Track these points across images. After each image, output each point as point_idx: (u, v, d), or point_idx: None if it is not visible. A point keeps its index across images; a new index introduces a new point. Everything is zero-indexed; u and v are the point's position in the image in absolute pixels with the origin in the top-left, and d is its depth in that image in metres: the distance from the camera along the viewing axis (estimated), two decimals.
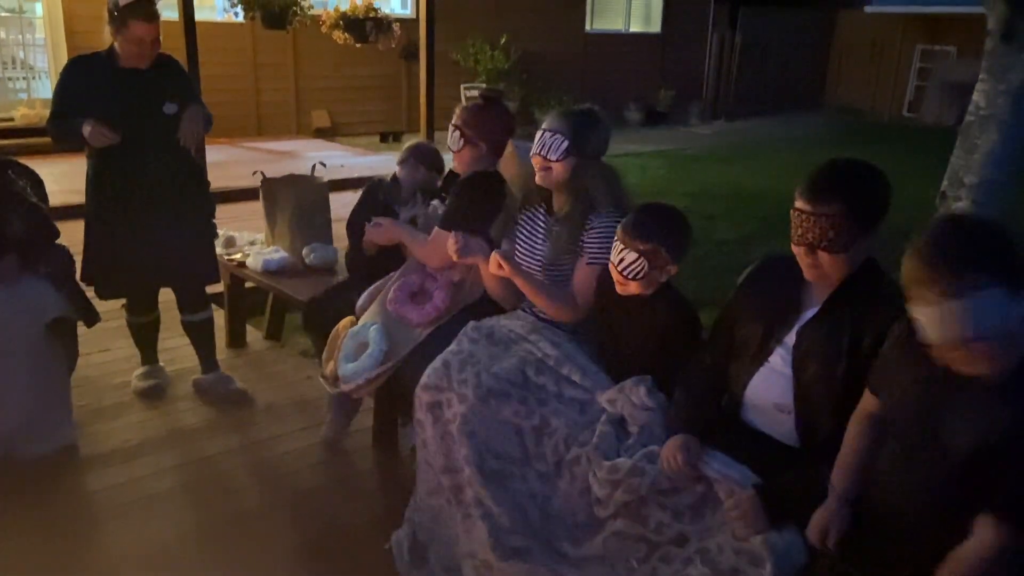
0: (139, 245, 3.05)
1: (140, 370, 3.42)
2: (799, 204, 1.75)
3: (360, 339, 2.58)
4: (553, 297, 2.34)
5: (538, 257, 2.42)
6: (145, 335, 3.39)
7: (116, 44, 2.93)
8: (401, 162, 3.22)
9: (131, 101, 2.95)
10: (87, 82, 2.96)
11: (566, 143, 2.30)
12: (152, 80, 2.99)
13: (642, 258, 2.07)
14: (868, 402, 1.70)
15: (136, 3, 2.82)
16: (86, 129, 2.82)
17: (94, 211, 3.08)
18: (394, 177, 3.24)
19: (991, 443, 1.42)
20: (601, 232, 2.29)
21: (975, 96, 3.98)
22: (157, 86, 3.00)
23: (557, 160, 2.31)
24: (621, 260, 2.10)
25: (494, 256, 2.29)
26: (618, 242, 2.12)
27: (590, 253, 2.31)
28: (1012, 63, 3.81)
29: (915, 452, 1.54)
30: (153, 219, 3.05)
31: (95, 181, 3.06)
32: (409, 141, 3.39)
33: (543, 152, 2.32)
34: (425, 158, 3.20)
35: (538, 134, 2.35)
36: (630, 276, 2.10)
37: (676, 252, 2.11)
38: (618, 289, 2.18)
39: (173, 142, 2.98)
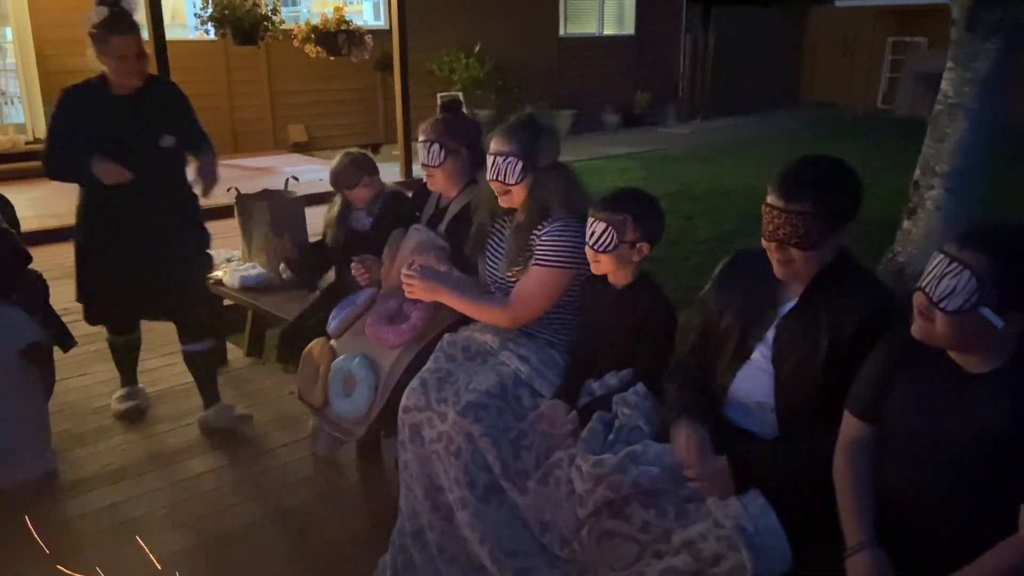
0: (126, 277, 2.98)
1: (119, 392, 3.38)
2: (771, 200, 1.75)
3: (345, 372, 2.51)
4: (479, 301, 2.33)
5: (499, 272, 2.41)
6: (125, 355, 3.35)
7: (105, 68, 2.84)
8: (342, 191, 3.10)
9: (125, 132, 2.87)
10: (80, 113, 2.87)
11: (520, 164, 2.27)
12: (147, 109, 2.92)
13: (610, 227, 2.08)
14: (852, 429, 1.66)
15: (111, 17, 2.75)
16: (97, 167, 2.74)
17: (83, 239, 3.03)
18: (346, 205, 3.13)
19: (995, 433, 1.43)
20: (552, 235, 2.27)
21: (943, 85, 4.02)
22: (152, 115, 2.93)
23: (516, 183, 2.30)
24: (592, 234, 2.11)
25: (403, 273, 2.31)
26: (590, 218, 2.13)
27: (538, 255, 2.27)
28: (977, 52, 3.85)
29: (926, 457, 1.53)
30: (141, 252, 2.96)
31: (85, 209, 2.99)
32: (379, 156, 3.29)
33: (500, 178, 2.30)
34: (352, 177, 3.02)
35: (489, 159, 2.32)
36: (599, 248, 2.10)
37: (645, 227, 2.12)
38: (592, 268, 2.18)
39: (168, 175, 2.94)
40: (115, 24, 2.76)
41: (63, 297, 3.25)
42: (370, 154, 3.12)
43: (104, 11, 2.76)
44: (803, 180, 1.73)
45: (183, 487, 2.86)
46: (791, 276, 1.81)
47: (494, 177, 2.31)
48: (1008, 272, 1.39)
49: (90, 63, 2.88)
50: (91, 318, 3.17)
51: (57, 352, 2.95)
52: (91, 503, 2.75)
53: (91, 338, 3.50)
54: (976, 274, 1.39)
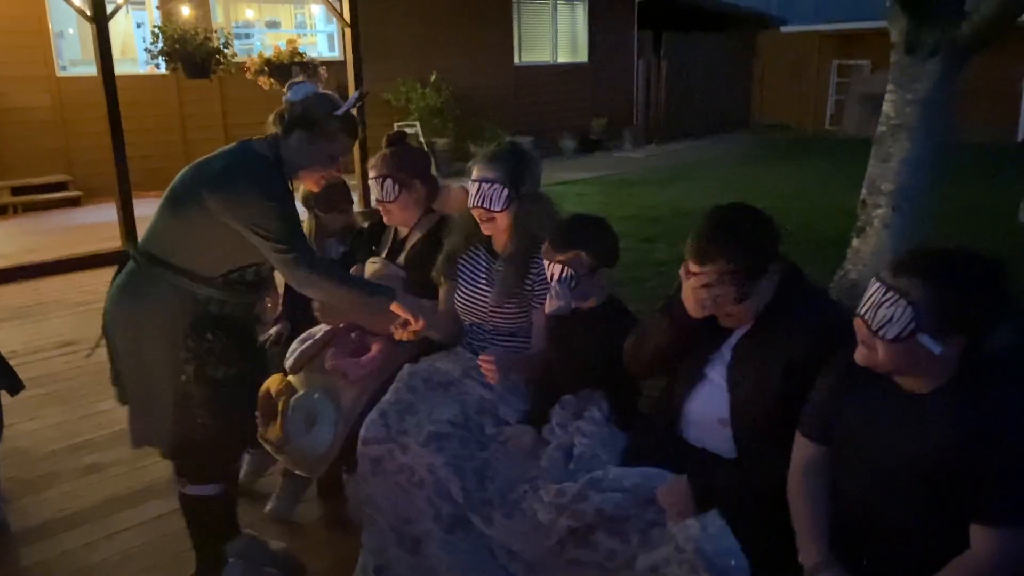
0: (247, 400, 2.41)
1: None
2: (691, 267, 1.80)
3: (307, 409, 2.43)
4: (540, 361, 2.29)
5: (483, 300, 2.39)
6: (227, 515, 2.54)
7: (298, 155, 2.25)
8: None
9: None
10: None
11: (506, 191, 2.26)
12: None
13: (566, 268, 2.08)
14: (805, 452, 1.68)
15: (352, 117, 2.27)
16: (405, 310, 2.22)
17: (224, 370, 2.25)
18: (318, 229, 3.12)
19: (941, 451, 1.45)
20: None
21: (885, 107, 4.13)
22: None
23: (501, 210, 2.28)
24: (551, 276, 2.11)
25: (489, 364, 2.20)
26: (544, 260, 2.13)
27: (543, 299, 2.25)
28: (917, 73, 3.97)
29: (877, 476, 1.55)
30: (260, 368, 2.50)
31: (210, 322, 2.22)
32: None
33: (484, 204, 2.28)
34: (328, 202, 3.01)
35: (473, 186, 2.30)
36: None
37: (599, 252, 2.12)
38: None
39: None
40: (355, 124, 2.28)
41: (9, 339, 3.16)
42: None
43: (354, 108, 2.29)
44: (711, 242, 1.77)
45: (141, 531, 2.78)
46: (738, 323, 1.86)
47: (478, 204, 2.28)
48: (943, 298, 1.41)
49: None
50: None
51: (4, 396, 2.86)
52: (42, 552, 2.66)
53: (40, 381, 3.41)
54: (911, 302, 1.41)
